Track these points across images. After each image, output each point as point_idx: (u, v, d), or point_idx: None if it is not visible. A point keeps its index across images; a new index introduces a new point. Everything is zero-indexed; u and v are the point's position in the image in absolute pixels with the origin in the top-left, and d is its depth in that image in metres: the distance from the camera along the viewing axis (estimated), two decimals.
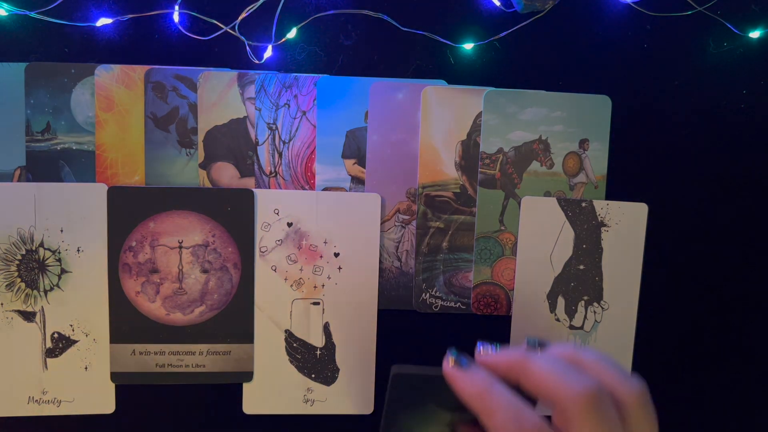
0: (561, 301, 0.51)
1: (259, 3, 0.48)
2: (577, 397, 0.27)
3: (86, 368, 0.49)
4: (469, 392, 0.30)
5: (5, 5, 0.47)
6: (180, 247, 0.48)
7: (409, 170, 0.50)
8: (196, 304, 0.49)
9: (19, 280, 0.48)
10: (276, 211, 0.49)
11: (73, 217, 0.48)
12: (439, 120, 0.50)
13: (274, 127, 0.49)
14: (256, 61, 0.49)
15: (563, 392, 0.27)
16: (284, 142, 0.49)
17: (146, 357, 0.49)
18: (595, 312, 0.51)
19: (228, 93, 0.49)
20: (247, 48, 0.49)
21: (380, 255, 0.50)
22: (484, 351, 0.32)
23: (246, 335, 0.49)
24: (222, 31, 0.48)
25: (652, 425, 0.29)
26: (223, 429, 0.51)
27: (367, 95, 0.49)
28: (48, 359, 0.48)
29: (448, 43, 0.49)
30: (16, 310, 0.48)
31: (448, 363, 0.31)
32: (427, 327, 0.51)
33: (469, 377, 0.30)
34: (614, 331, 0.52)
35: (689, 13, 0.50)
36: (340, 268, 0.50)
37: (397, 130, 0.50)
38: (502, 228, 0.51)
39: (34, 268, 0.48)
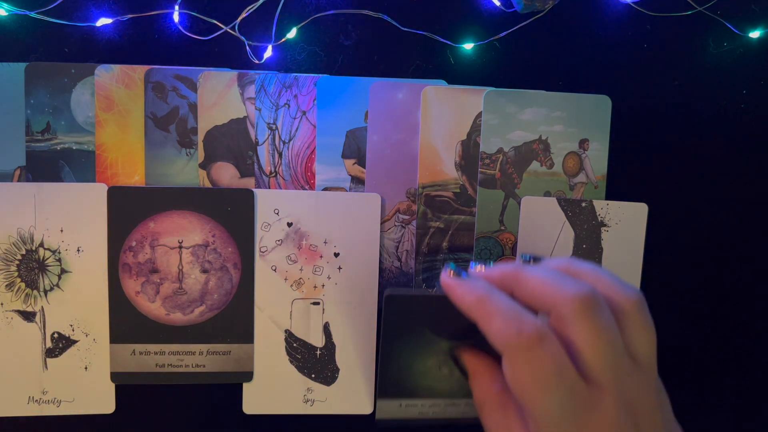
0: None
1: (259, 3, 0.48)
2: (571, 299, 0.27)
3: (86, 368, 0.49)
4: (467, 300, 0.29)
5: (5, 5, 0.47)
6: (180, 247, 0.48)
7: (409, 170, 0.50)
8: (196, 304, 0.49)
9: (19, 280, 0.48)
10: (276, 211, 0.49)
11: (73, 217, 0.48)
12: (439, 120, 0.50)
13: (274, 127, 0.49)
14: (256, 61, 0.49)
15: (558, 297, 0.27)
16: (284, 142, 0.49)
17: (146, 357, 0.49)
18: None
19: (228, 93, 0.49)
20: (247, 48, 0.49)
21: (380, 255, 0.50)
22: (478, 268, 0.32)
23: (246, 335, 0.49)
24: (222, 31, 0.48)
25: (649, 332, 0.28)
26: (223, 429, 0.51)
27: (367, 95, 0.49)
28: (48, 359, 0.48)
29: (448, 43, 0.49)
30: (16, 310, 0.48)
31: (447, 274, 0.31)
32: None
33: (468, 285, 0.30)
34: None
35: (689, 13, 0.50)
36: (340, 268, 0.50)
37: (397, 130, 0.50)
38: (502, 228, 0.51)
39: (34, 268, 0.48)
